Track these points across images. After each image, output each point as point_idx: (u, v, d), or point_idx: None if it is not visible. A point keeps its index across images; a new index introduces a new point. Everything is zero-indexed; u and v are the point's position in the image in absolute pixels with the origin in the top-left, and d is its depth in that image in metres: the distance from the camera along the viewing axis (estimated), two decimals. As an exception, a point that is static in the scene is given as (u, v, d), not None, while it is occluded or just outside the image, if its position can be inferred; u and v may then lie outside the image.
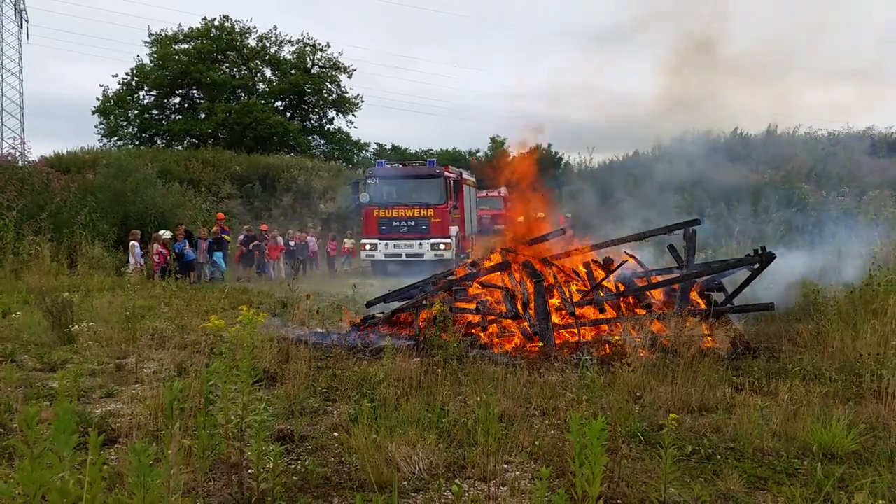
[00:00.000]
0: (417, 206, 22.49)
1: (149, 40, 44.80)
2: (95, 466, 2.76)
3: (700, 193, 26.36)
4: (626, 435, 5.22)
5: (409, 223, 22.44)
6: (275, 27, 58.18)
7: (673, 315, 8.90)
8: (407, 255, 22.42)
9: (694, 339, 8.35)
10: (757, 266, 9.43)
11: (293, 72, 46.48)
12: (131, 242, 18.41)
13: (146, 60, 44.78)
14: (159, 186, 24.83)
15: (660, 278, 10.24)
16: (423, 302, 9.85)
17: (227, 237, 21.03)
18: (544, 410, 6.06)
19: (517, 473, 4.62)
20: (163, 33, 44.75)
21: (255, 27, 46.78)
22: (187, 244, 19.03)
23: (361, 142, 53.65)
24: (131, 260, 17.98)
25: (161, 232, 19.66)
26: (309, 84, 46.81)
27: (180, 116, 46.01)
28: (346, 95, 48.49)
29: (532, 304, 9.22)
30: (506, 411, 5.83)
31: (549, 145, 38.86)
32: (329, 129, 50.37)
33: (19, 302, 12.25)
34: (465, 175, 26.26)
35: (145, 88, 45.32)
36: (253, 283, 19.92)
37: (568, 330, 9.25)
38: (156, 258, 18.13)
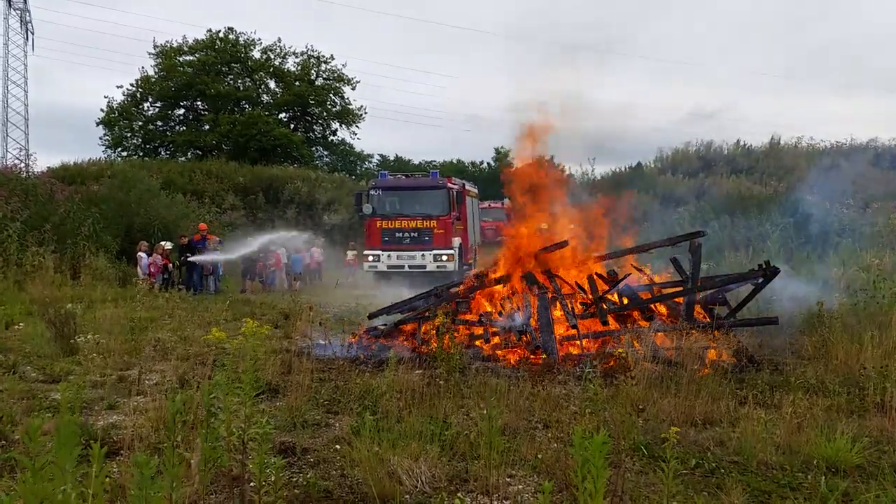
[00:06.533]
0: (420, 217, 22.49)
1: (154, 52, 45.02)
2: (98, 479, 2.75)
3: (703, 205, 26.35)
4: (630, 448, 5.20)
5: (412, 234, 22.44)
6: (279, 39, 58.32)
7: (676, 328, 8.87)
8: (409, 267, 22.39)
9: (697, 351, 8.33)
10: (761, 280, 9.40)
11: (297, 83, 46.61)
12: (138, 254, 18.49)
13: (151, 72, 44.97)
14: (163, 198, 24.89)
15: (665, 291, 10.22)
16: (426, 313, 9.85)
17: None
18: (547, 423, 6.04)
19: (520, 487, 4.61)
20: (168, 45, 44.96)
21: (259, 39, 47.00)
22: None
23: (365, 153, 53.84)
24: (140, 271, 18.06)
25: (162, 243, 19.75)
26: (313, 96, 46.92)
27: (184, 128, 46.12)
28: (350, 107, 48.61)
29: (535, 317, 9.21)
30: (508, 424, 5.81)
31: (553, 157, 38.82)
32: (333, 140, 50.51)
33: (22, 313, 12.28)
34: (468, 186, 26.29)
35: (150, 100, 45.44)
36: (255, 294, 19.96)
37: (571, 342, 9.23)
38: (153, 269, 18.24)
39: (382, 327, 10.63)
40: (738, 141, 40.78)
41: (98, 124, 44.53)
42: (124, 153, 44.03)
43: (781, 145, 39.02)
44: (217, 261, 20.28)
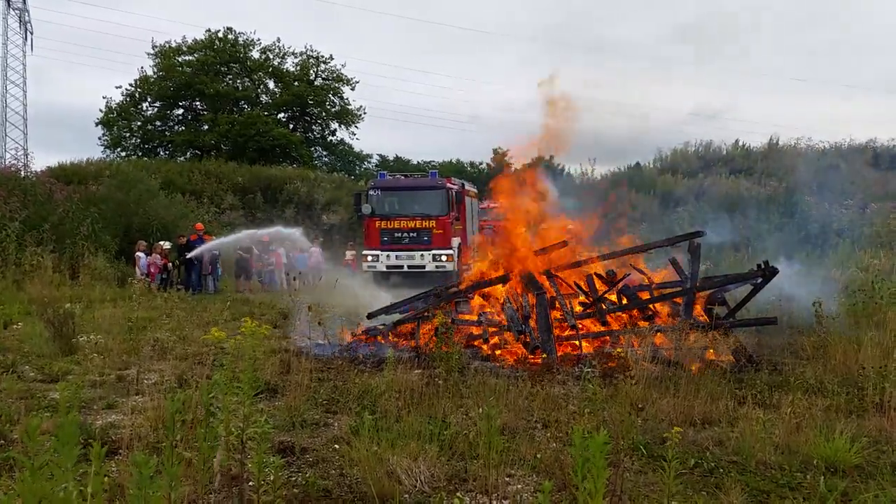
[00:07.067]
0: (419, 217, 22.48)
1: (153, 52, 44.96)
2: (97, 478, 2.75)
3: (702, 205, 26.36)
4: (629, 448, 5.20)
5: (411, 234, 22.42)
6: (278, 39, 58.18)
7: (675, 328, 8.87)
8: (409, 267, 22.38)
9: (696, 351, 8.33)
10: (760, 280, 9.40)
11: (296, 84, 46.57)
12: (137, 254, 18.49)
13: (150, 72, 44.93)
14: (162, 198, 24.88)
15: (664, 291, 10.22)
16: (425, 313, 9.84)
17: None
18: (546, 423, 6.03)
19: (519, 486, 4.60)
20: (167, 45, 44.90)
21: (258, 39, 46.96)
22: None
23: (364, 153, 53.77)
24: (137, 270, 18.07)
25: (161, 242, 19.75)
26: (312, 96, 46.88)
27: (183, 128, 46.09)
28: (349, 107, 48.56)
29: (534, 317, 9.21)
30: (507, 424, 5.81)
31: (551, 157, 38.80)
32: (332, 140, 50.47)
33: (21, 313, 12.26)
34: (468, 186, 26.29)
35: (149, 100, 45.40)
36: (254, 294, 19.95)
37: (570, 342, 9.23)
38: (152, 269, 18.25)
39: (381, 327, 10.62)
40: (737, 141, 40.85)
41: (97, 124, 44.52)
42: (123, 153, 44.00)
43: (780, 146, 39.05)
44: (211, 248, 20.19)
